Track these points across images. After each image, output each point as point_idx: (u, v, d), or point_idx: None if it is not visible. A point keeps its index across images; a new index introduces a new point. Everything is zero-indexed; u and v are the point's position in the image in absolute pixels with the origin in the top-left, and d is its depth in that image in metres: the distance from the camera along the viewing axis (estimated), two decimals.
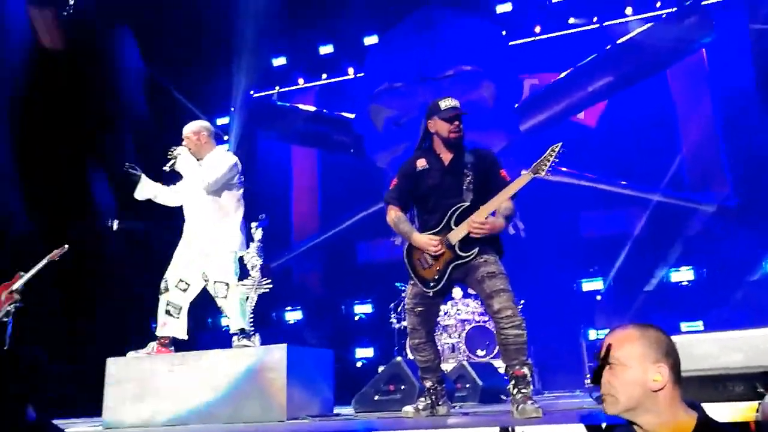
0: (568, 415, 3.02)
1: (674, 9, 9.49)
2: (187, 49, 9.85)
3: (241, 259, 4.83)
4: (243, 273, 4.82)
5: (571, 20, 10.06)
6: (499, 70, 9.63)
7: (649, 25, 9.61)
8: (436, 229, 3.56)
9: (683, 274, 8.49)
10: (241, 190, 4.88)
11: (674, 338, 1.72)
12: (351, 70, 11.20)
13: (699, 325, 7.44)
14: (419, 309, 3.64)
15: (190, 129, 4.83)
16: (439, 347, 7.22)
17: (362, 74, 10.85)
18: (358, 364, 9.43)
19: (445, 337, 7.45)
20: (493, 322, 3.47)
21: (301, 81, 11.56)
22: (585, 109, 10.06)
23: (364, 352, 9.57)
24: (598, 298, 8.60)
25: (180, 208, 4.92)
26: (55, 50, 8.58)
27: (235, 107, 11.70)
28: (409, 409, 3.75)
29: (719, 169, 9.28)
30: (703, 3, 9.33)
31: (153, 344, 4.72)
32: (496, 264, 3.48)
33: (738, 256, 8.30)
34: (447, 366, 6.29)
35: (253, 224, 4.89)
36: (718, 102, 9.41)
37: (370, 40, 10.71)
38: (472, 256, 3.45)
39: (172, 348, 4.79)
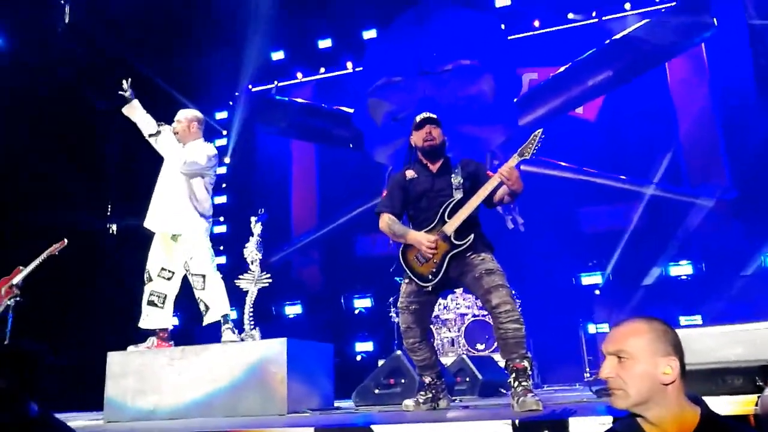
0: (567, 409, 3.03)
1: (673, 3, 9.48)
2: (185, 43, 9.84)
3: (240, 253, 4.84)
4: (243, 267, 4.83)
5: (570, 15, 10.04)
6: (498, 64, 9.61)
7: (648, 20, 9.61)
8: (431, 225, 3.62)
9: (682, 268, 8.49)
10: (213, 181, 4.97)
11: None
12: (350, 65, 11.18)
13: (697, 319, 7.45)
14: (414, 307, 3.66)
15: (183, 114, 4.97)
16: (438, 341, 7.32)
17: (361, 68, 10.83)
18: (358, 358, 9.45)
19: (445, 331, 7.46)
20: (491, 317, 3.50)
21: (299, 75, 11.54)
22: (584, 104, 10.06)
23: (363, 346, 9.59)
24: (597, 292, 8.61)
25: None
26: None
27: (233, 101, 11.70)
28: (409, 402, 3.77)
29: (718, 163, 9.29)
30: None
31: (153, 339, 4.74)
32: (493, 261, 3.55)
33: (737, 249, 8.32)
34: (446, 360, 6.31)
35: (253, 219, 4.90)
36: (717, 96, 9.40)
37: (369, 34, 10.67)
38: (467, 243, 3.52)
39: (172, 342, 4.81)
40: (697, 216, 8.87)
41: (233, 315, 4.79)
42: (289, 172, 12.01)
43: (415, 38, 9.74)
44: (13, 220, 7.93)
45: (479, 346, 7.18)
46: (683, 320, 7.46)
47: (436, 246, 3.54)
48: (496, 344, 6.98)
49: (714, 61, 9.47)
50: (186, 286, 4.91)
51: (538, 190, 8.99)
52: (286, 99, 11.70)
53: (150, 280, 4.79)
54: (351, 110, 10.81)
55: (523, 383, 3.25)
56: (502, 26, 10.18)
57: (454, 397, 4.58)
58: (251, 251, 4.81)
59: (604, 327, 7.88)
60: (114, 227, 9.51)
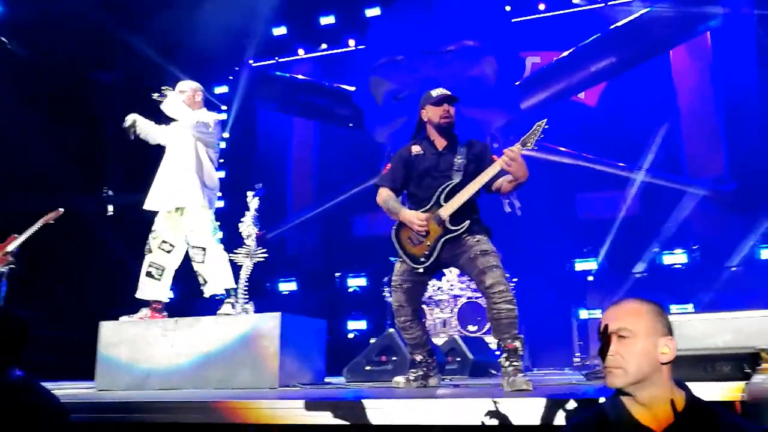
0: (557, 390, 3.06)
1: None
2: (185, 16, 9.73)
3: (237, 227, 4.84)
4: (238, 242, 4.83)
5: (576, 0, 9.96)
6: (501, 46, 9.54)
7: (653, 7, 9.53)
8: (426, 207, 3.60)
9: (676, 257, 8.53)
10: (216, 154, 4.99)
11: None
12: (352, 42, 11.09)
13: (689, 308, 7.50)
14: (406, 286, 3.67)
15: (187, 84, 4.98)
16: (431, 322, 7.35)
17: (363, 46, 10.74)
18: (350, 336, 9.51)
19: (437, 311, 7.50)
20: (484, 297, 3.51)
21: (301, 51, 11.45)
22: (587, 89, 10.01)
23: (356, 325, 9.63)
24: (590, 278, 8.64)
25: None
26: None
27: (234, 76, 11.61)
28: (400, 379, 3.81)
29: (717, 154, 9.29)
30: None
31: (146, 310, 4.75)
32: (488, 243, 3.53)
33: (731, 240, 8.35)
34: (438, 340, 6.35)
35: (250, 193, 4.89)
36: (720, 87, 9.37)
37: (372, 12, 10.57)
38: (462, 229, 3.50)
39: (165, 314, 4.82)
40: (693, 205, 8.89)
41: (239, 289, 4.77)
42: (288, 149, 11.98)
43: (419, 17, 9.64)
44: (6, 197, 7.90)
45: (471, 328, 7.22)
46: (675, 309, 7.50)
47: (428, 227, 3.53)
48: (488, 326, 7.05)
49: (718, 50, 9.42)
50: (186, 260, 4.92)
51: (536, 175, 8.94)
52: (287, 75, 11.62)
53: (150, 251, 4.80)
54: (352, 88, 10.75)
55: (514, 363, 3.27)
56: (507, 8, 10.10)
57: (444, 376, 4.62)
58: (247, 226, 4.82)
59: (597, 313, 7.92)
60: (110, 197, 9.48)
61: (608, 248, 8.72)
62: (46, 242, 5.90)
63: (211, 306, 4.89)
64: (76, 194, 8.11)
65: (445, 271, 7.56)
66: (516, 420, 2.40)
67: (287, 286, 10.49)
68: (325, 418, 2.63)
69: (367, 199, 10.41)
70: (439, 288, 7.55)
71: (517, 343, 3.33)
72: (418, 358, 3.81)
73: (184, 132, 4.85)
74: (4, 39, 8.57)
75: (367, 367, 4.99)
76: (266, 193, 4.99)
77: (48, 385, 4.31)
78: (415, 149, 3.76)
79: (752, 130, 8.57)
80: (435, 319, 7.43)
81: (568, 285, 8.53)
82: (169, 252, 4.79)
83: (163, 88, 4.90)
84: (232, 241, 4.92)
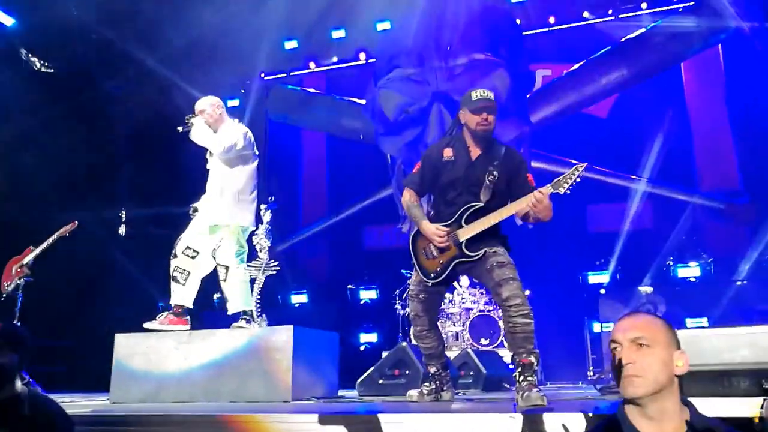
0: (571, 405, 3.04)
1: (691, 3, 9.40)
2: (197, 30, 9.83)
3: (250, 240, 4.85)
4: (251, 255, 4.85)
5: (586, 14, 9.98)
6: (512, 59, 9.56)
7: (664, 19, 9.53)
8: (447, 222, 3.54)
9: (690, 270, 8.46)
10: (254, 165, 4.94)
11: (681, 333, 1.74)
12: (363, 56, 11.16)
13: (704, 321, 7.43)
14: (423, 296, 3.65)
15: (207, 102, 4.91)
16: (443, 335, 7.31)
17: (374, 60, 10.80)
18: (362, 348, 9.49)
19: (449, 325, 7.47)
20: (500, 310, 3.48)
21: (312, 65, 11.53)
22: (597, 102, 10.00)
23: (367, 337, 9.62)
24: (602, 291, 8.58)
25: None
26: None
27: (245, 89, 11.70)
28: (413, 393, 3.79)
29: (730, 167, 9.24)
30: None
31: (165, 313, 4.74)
32: (504, 255, 3.48)
33: (745, 253, 8.28)
34: (451, 354, 6.32)
35: (263, 206, 4.92)
36: (732, 99, 9.34)
37: (383, 25, 10.64)
38: (476, 257, 3.43)
39: (187, 318, 4.78)
40: (707, 218, 8.83)
41: (257, 311, 4.76)
42: (299, 162, 12.03)
43: (429, 31, 9.69)
44: (21, 209, 7.97)
45: (483, 341, 7.19)
46: (690, 322, 7.44)
47: (446, 245, 3.48)
48: (500, 339, 7.03)
49: (730, 63, 9.39)
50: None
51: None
52: (298, 88, 11.69)
53: (174, 256, 4.80)
54: (362, 101, 10.80)
55: (529, 378, 3.24)
56: (518, 21, 10.13)
57: (457, 390, 4.60)
58: (260, 239, 4.84)
59: (609, 326, 7.86)
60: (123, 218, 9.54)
61: (621, 261, 8.67)
62: (60, 254, 5.95)
63: (222, 317, 4.90)
64: (91, 206, 8.18)
65: (455, 285, 7.55)
66: None
67: (298, 299, 10.50)
68: (343, 431, 2.63)
69: (378, 211, 10.50)
70: (450, 301, 7.53)
71: (532, 358, 3.29)
72: (432, 369, 3.79)
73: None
74: (24, 51, 8.69)
75: (380, 381, 4.96)
76: (278, 206, 5.02)
77: (63, 397, 4.33)
78: (447, 153, 3.60)
79: (765, 142, 8.52)
80: (447, 332, 7.40)
81: (581, 298, 8.48)
82: (193, 258, 4.78)
83: (187, 117, 4.86)
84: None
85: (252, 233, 4.88)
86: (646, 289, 7.84)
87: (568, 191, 3.31)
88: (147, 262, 8.47)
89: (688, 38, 9.24)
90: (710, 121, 9.58)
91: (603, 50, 9.77)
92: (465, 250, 3.46)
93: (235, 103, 11.81)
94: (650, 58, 9.55)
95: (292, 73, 11.69)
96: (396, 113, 9.86)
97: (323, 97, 11.51)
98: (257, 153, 5.00)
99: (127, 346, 4.58)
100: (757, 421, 2.29)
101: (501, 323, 6.66)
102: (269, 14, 9.57)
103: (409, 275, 4.03)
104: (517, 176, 3.53)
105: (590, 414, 2.36)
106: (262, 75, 11.71)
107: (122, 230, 9.00)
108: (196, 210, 4.89)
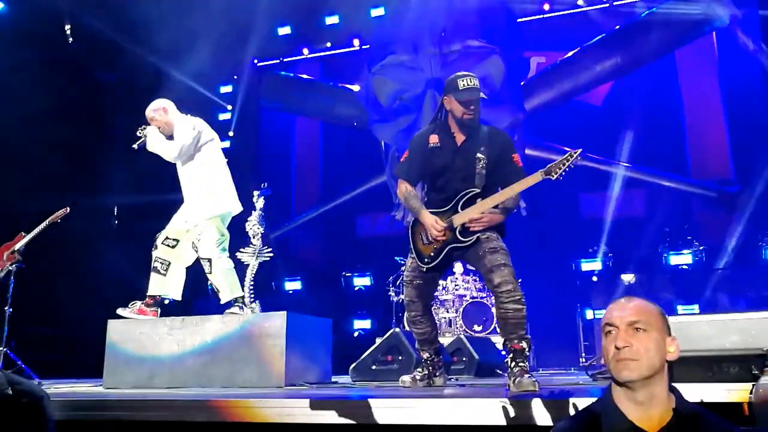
0: (563, 391, 3.06)
1: None
2: (189, 16, 9.74)
3: (243, 226, 4.84)
4: (245, 241, 4.84)
5: (580, 1, 9.95)
6: (506, 46, 9.54)
7: (658, 7, 9.51)
8: (444, 209, 3.56)
9: (682, 258, 8.51)
10: (215, 149, 4.84)
11: (671, 319, 1.75)
12: (356, 42, 11.10)
13: (695, 308, 7.49)
14: (417, 282, 3.66)
15: (153, 108, 4.80)
16: (436, 321, 7.34)
17: (368, 46, 10.75)
18: (355, 334, 9.52)
19: (443, 311, 7.50)
20: (492, 296, 3.50)
21: (305, 51, 11.47)
22: (591, 90, 10.00)
23: (361, 324, 9.64)
24: (594, 278, 8.63)
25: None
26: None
27: (238, 76, 11.63)
28: (406, 378, 3.80)
29: (722, 155, 9.27)
30: None
31: (136, 303, 4.73)
32: (497, 240, 3.49)
33: (738, 240, 8.34)
34: (444, 340, 6.34)
35: (255, 193, 4.90)
36: (725, 87, 9.35)
37: (377, 12, 10.58)
38: (470, 242, 3.46)
39: (157, 310, 4.75)
40: (699, 206, 8.88)
41: (250, 297, 4.75)
42: (292, 148, 12.00)
43: (424, 17, 9.64)
44: (13, 194, 7.92)
45: (476, 328, 7.22)
46: (681, 309, 7.50)
47: (444, 236, 3.50)
48: (492, 326, 7.06)
49: (724, 52, 9.39)
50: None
51: None
52: (292, 75, 11.63)
53: (155, 248, 4.80)
54: (356, 88, 10.76)
55: (521, 364, 3.26)
56: (513, 8, 10.09)
57: (450, 376, 4.62)
58: (253, 225, 4.82)
59: (602, 313, 7.90)
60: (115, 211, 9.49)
61: (613, 248, 8.71)
62: (52, 240, 5.92)
63: (216, 304, 4.90)
64: (82, 193, 8.13)
65: (453, 270, 7.58)
66: (522, 420, 2.40)
67: (292, 285, 10.50)
68: (332, 417, 2.64)
69: (371, 198, 10.49)
70: (444, 287, 7.56)
71: (524, 344, 3.31)
72: (425, 355, 3.81)
73: None
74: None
75: (373, 367, 4.98)
76: (270, 192, 5.00)
77: (55, 383, 4.33)
78: (433, 140, 3.62)
79: (758, 131, 8.55)
80: (440, 318, 7.43)
81: (574, 285, 8.53)
82: (173, 247, 4.76)
83: (138, 130, 4.79)
84: (237, 240, 4.93)
85: (243, 220, 4.87)
86: (628, 277, 7.91)
87: (561, 177, 3.32)
88: (140, 248, 8.44)
89: (682, 26, 9.23)
90: (703, 109, 9.60)
91: (597, 38, 9.76)
92: (459, 236, 3.47)
93: (228, 89, 11.75)
94: (644, 46, 9.54)
95: (285, 60, 11.63)
96: (390, 100, 9.85)
97: (317, 83, 11.46)
98: (213, 137, 4.88)
99: (119, 332, 4.58)
100: (746, 406, 2.31)
101: (494, 310, 6.69)
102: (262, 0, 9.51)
103: (402, 262, 4.05)
104: (504, 156, 3.55)
105: (581, 399, 2.37)
106: (255, 61, 11.64)
107: (115, 211, 8.95)
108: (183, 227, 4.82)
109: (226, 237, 4.81)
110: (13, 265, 5.43)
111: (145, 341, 4.49)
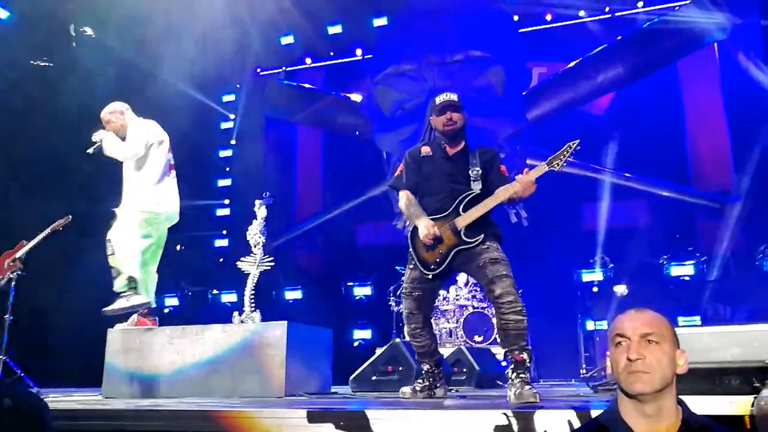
0: (564, 402, 3.04)
1: (687, 1, 9.42)
2: (193, 25, 9.78)
3: (243, 235, 4.82)
4: (246, 250, 4.83)
5: (582, 13, 10.00)
6: (508, 56, 9.57)
7: (660, 17, 9.55)
8: (445, 214, 3.57)
9: (683, 269, 8.49)
10: (159, 152, 4.80)
11: None
12: (359, 52, 11.14)
13: (696, 320, 7.46)
14: (416, 293, 3.66)
15: (107, 111, 4.83)
16: (436, 332, 7.33)
17: (370, 56, 10.79)
18: (355, 344, 9.49)
19: (443, 322, 7.49)
20: (493, 307, 3.49)
21: (308, 60, 11.52)
22: (593, 100, 10.01)
23: (361, 334, 9.62)
24: (595, 289, 8.61)
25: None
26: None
27: (241, 85, 11.67)
28: (406, 390, 3.79)
29: (725, 166, 9.26)
30: None
31: (134, 316, 4.71)
32: (498, 251, 3.50)
33: (739, 252, 8.32)
34: (445, 351, 6.33)
35: (257, 202, 4.89)
36: (727, 98, 9.36)
37: (380, 21, 10.63)
38: (476, 243, 3.47)
39: (155, 319, 4.75)
40: (701, 217, 8.87)
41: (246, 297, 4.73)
42: (294, 157, 12.02)
43: (426, 27, 9.68)
44: (14, 199, 7.93)
45: (477, 338, 7.20)
46: (682, 321, 7.47)
47: (443, 234, 3.51)
48: (493, 337, 7.04)
49: (726, 62, 9.41)
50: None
51: (542, 185, 8.96)
52: (294, 84, 11.67)
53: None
54: (359, 97, 10.79)
55: (521, 375, 3.25)
56: (515, 18, 10.14)
57: (450, 387, 4.60)
58: (254, 234, 4.81)
59: (603, 324, 7.88)
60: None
61: (614, 259, 8.70)
62: (54, 248, 5.92)
63: (216, 312, 4.89)
64: (83, 201, 8.14)
65: (456, 279, 7.57)
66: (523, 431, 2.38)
67: (293, 295, 10.49)
68: (331, 428, 2.62)
69: (372, 208, 10.49)
70: (444, 298, 7.54)
71: (525, 355, 3.30)
72: (425, 367, 3.79)
73: None
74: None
75: (374, 377, 4.97)
76: (272, 201, 5.00)
77: (54, 392, 4.31)
78: (425, 150, 3.75)
79: (760, 140, 8.55)
80: (441, 329, 7.41)
81: (575, 296, 8.50)
82: (112, 254, 4.69)
83: (93, 136, 4.79)
84: (238, 249, 4.92)
85: (244, 228, 4.86)
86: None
87: (563, 168, 3.44)
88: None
89: (683, 36, 9.25)
90: (705, 119, 9.61)
91: (599, 48, 9.78)
92: (464, 237, 3.49)
93: (230, 98, 11.79)
94: (646, 56, 9.57)
95: (288, 69, 11.67)
96: (392, 109, 9.87)
97: (319, 92, 11.49)
98: (163, 139, 4.86)
99: (119, 342, 4.56)
100: (747, 419, 2.30)
101: (494, 320, 6.68)
102: (265, 9, 9.54)
103: (403, 272, 4.04)
104: (492, 168, 3.65)
105: (582, 411, 2.36)
106: (258, 70, 11.69)
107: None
108: (114, 216, 4.81)
109: (153, 239, 4.75)
110: (15, 273, 5.43)
111: (144, 351, 4.48)
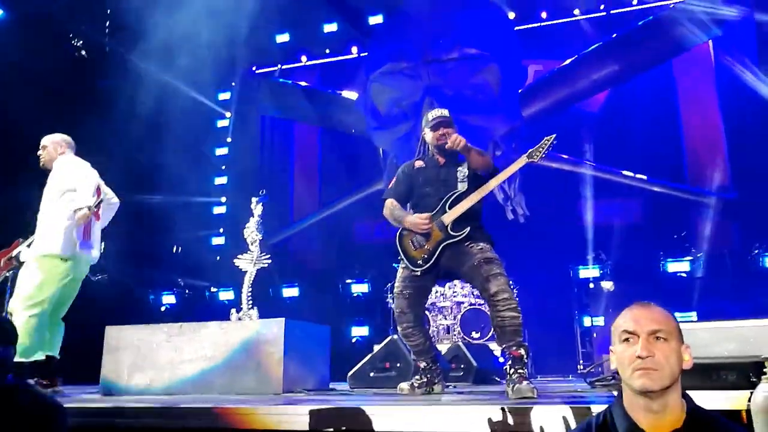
0: (561, 397, 3.06)
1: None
2: (188, 23, 9.76)
3: (241, 233, 4.82)
4: (243, 248, 4.83)
5: (577, 10, 10.01)
6: (504, 54, 9.57)
7: (654, 15, 9.56)
8: (431, 213, 3.69)
9: (680, 265, 8.52)
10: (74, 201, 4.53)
11: None
12: (355, 49, 11.13)
13: (693, 316, 7.49)
14: (407, 292, 3.72)
15: (53, 140, 4.75)
16: (434, 328, 7.36)
17: (366, 54, 10.78)
18: (353, 341, 9.50)
19: (441, 318, 7.50)
20: (488, 305, 3.54)
21: (304, 58, 11.49)
22: (589, 97, 10.03)
23: (359, 331, 9.63)
24: (591, 285, 8.62)
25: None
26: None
27: (236, 83, 11.65)
28: (404, 386, 3.81)
29: (720, 162, 9.29)
30: None
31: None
32: (491, 251, 3.59)
33: (735, 249, 8.35)
34: (442, 347, 6.35)
35: (254, 200, 4.90)
36: (723, 94, 9.38)
37: (375, 19, 10.63)
38: (462, 235, 3.57)
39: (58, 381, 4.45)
40: (696, 213, 8.89)
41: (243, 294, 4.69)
42: (290, 155, 12.00)
43: (422, 25, 9.68)
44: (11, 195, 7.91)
45: (474, 335, 7.22)
46: (678, 317, 7.48)
47: (431, 229, 3.61)
48: (490, 333, 7.05)
49: (721, 59, 9.43)
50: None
51: (538, 182, 9.00)
52: (290, 82, 11.66)
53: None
54: (355, 95, 10.78)
55: (519, 370, 3.28)
56: (511, 15, 10.14)
57: (448, 383, 4.62)
58: (251, 232, 4.82)
59: (600, 320, 7.91)
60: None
61: (611, 255, 8.71)
62: None
63: (213, 309, 4.89)
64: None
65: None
66: (521, 428, 2.40)
67: (290, 292, 10.48)
68: (329, 424, 2.64)
69: (369, 205, 10.47)
70: (442, 295, 7.55)
71: (522, 351, 3.35)
72: (422, 364, 3.82)
73: None
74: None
75: (371, 374, 4.99)
76: (269, 199, 5.00)
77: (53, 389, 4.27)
78: (418, 163, 3.95)
79: (755, 137, 8.58)
80: (438, 325, 7.43)
81: (572, 292, 8.52)
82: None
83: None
84: (235, 247, 4.93)
85: (241, 225, 4.87)
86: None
87: (542, 159, 3.61)
88: (138, 250, 8.45)
89: (678, 34, 9.26)
90: (701, 116, 9.63)
91: (594, 46, 9.79)
92: (450, 231, 3.60)
93: (226, 96, 11.77)
94: (641, 54, 9.59)
95: (283, 67, 11.64)
96: (388, 107, 9.87)
97: (315, 90, 11.48)
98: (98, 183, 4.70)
99: (117, 339, 4.57)
100: (744, 414, 2.31)
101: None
102: (261, 7, 9.52)
103: None
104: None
105: (579, 407, 2.38)
106: (254, 68, 11.67)
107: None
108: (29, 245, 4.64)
109: (47, 281, 4.43)
110: (10, 272, 5.41)
111: (142, 348, 4.48)
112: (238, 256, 4.78)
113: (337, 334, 8.69)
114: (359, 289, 9.97)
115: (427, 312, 6.87)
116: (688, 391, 1.69)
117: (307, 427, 2.65)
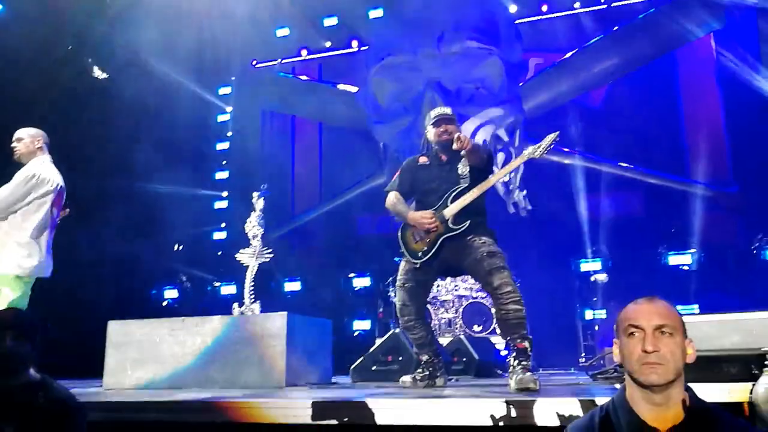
0: (564, 390, 3.07)
1: None
2: (188, 17, 9.75)
3: (242, 228, 4.83)
4: (245, 242, 4.83)
5: (578, 3, 9.98)
6: (505, 48, 9.55)
7: (656, 8, 9.53)
8: (433, 209, 3.71)
9: (681, 258, 8.52)
10: (41, 209, 4.19)
11: None
12: (355, 43, 11.11)
13: (695, 309, 7.49)
14: (409, 285, 3.74)
15: (29, 133, 4.34)
16: (436, 322, 7.37)
17: (366, 47, 10.75)
18: (355, 335, 9.52)
19: (443, 312, 7.51)
20: (491, 298, 3.55)
21: (304, 53, 11.46)
22: (590, 90, 10.01)
23: (361, 324, 9.64)
24: (593, 279, 8.63)
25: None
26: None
27: (237, 77, 11.63)
28: (407, 379, 3.82)
29: (721, 155, 9.28)
30: None
31: None
32: (494, 245, 3.61)
33: (736, 241, 8.35)
34: (444, 340, 6.36)
35: (255, 194, 4.90)
36: (723, 87, 9.36)
37: (375, 13, 10.58)
38: (462, 228, 3.60)
39: None
40: (698, 207, 8.88)
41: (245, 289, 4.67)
42: (291, 149, 11.99)
43: (423, 19, 9.65)
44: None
45: (476, 328, 7.23)
46: (680, 310, 7.48)
47: (434, 225, 3.64)
48: (492, 326, 7.07)
49: (722, 52, 9.40)
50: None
51: (539, 176, 9.00)
52: (290, 76, 11.64)
53: None
54: (355, 89, 10.76)
55: (523, 362, 3.30)
56: (512, 8, 10.10)
57: (450, 376, 4.63)
58: (253, 226, 4.82)
59: (602, 313, 7.91)
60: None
61: (612, 249, 8.71)
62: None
63: (216, 303, 4.89)
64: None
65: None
66: (523, 421, 2.40)
67: (292, 286, 10.50)
68: (332, 418, 2.64)
69: (371, 199, 10.48)
70: (444, 288, 7.56)
71: (527, 344, 3.38)
72: (424, 357, 3.83)
73: None
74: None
75: (374, 367, 5.00)
76: (270, 193, 5.00)
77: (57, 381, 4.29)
78: (422, 160, 3.97)
79: (757, 130, 8.56)
80: (440, 319, 7.44)
81: (574, 285, 8.53)
82: None
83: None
84: (237, 241, 4.93)
85: (242, 220, 4.86)
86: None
87: (543, 155, 3.68)
88: (138, 248, 8.45)
89: (680, 26, 9.24)
90: (702, 109, 9.61)
91: (595, 39, 9.77)
92: (451, 225, 3.63)
93: (226, 90, 11.75)
94: (642, 47, 9.56)
95: (283, 61, 11.61)
96: (389, 101, 9.85)
97: (315, 84, 11.46)
98: (48, 190, 4.19)
99: (120, 334, 4.58)
100: (746, 406, 2.32)
101: (493, 310, 6.72)
102: (261, 1, 9.50)
103: None
104: (487, 164, 3.86)
105: (581, 399, 2.38)
106: (254, 62, 11.64)
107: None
108: None
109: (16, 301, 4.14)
110: None
111: (145, 342, 4.49)
112: (240, 251, 4.78)
113: (340, 327, 8.71)
114: (361, 282, 9.98)
115: (429, 305, 6.89)
116: (690, 384, 1.69)
117: (310, 421, 2.66)
